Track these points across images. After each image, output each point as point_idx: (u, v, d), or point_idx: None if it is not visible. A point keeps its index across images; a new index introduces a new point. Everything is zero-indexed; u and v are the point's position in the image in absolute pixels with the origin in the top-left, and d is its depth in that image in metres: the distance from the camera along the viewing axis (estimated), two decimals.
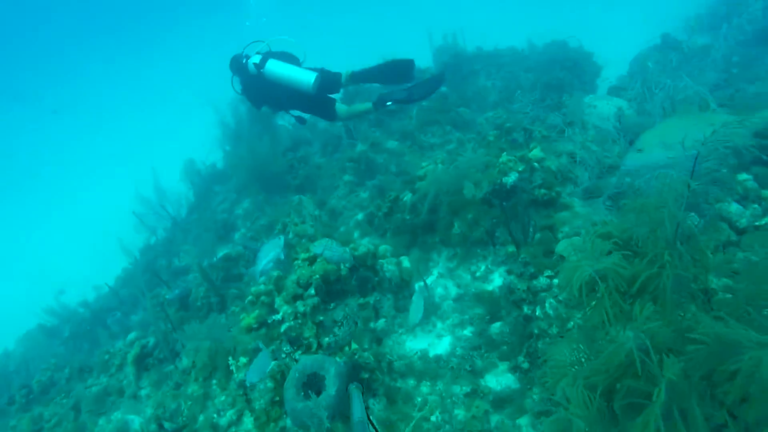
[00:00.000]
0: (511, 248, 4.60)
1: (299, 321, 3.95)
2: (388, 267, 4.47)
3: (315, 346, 3.73)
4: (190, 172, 10.20)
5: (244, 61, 6.31)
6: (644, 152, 2.61)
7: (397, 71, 6.61)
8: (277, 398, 3.43)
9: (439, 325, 4.34)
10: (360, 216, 6.77)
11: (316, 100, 6.50)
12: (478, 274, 4.73)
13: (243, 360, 3.78)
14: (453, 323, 4.27)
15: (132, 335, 5.85)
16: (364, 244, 4.63)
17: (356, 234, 6.40)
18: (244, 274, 6.53)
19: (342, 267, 4.38)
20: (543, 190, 4.71)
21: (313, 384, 3.14)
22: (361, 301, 4.23)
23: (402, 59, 6.62)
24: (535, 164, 4.89)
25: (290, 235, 5.19)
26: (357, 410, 1.98)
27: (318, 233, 5.00)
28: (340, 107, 6.66)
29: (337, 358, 3.57)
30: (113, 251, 9.80)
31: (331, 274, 4.26)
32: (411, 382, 3.81)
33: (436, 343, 4.18)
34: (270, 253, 4.65)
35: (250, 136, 9.00)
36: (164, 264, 8.40)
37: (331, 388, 3.01)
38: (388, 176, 7.17)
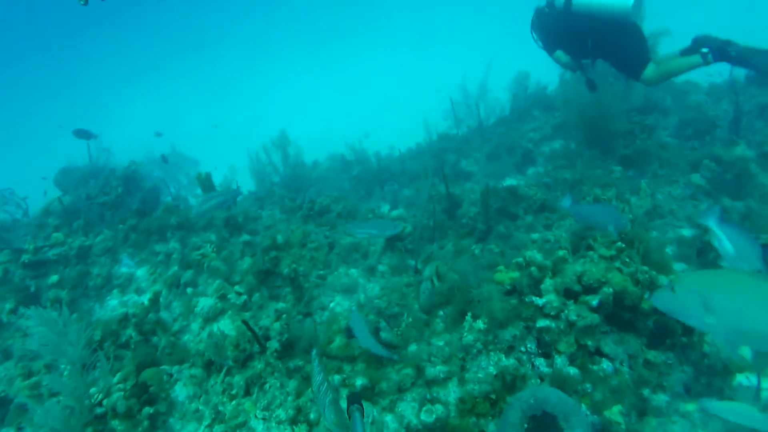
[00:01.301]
0: None
1: (561, 328, 3.04)
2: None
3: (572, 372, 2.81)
4: (518, 84, 9.39)
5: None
6: None
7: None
8: (494, 396, 2.78)
9: None
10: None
11: (629, 40, 4.91)
12: None
13: (480, 325, 3.16)
14: None
15: (397, 212, 5.89)
16: None
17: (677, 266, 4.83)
18: (519, 217, 5.78)
19: (647, 296, 3.16)
20: None
21: (543, 424, 2.34)
22: (651, 356, 3.01)
23: None
24: None
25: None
26: None
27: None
28: (651, 67, 4.84)
29: (584, 407, 2.62)
30: (417, 124, 10.11)
31: (629, 298, 3.10)
32: None
33: None
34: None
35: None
36: (452, 160, 8.24)
37: None
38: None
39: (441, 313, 3.82)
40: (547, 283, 3.43)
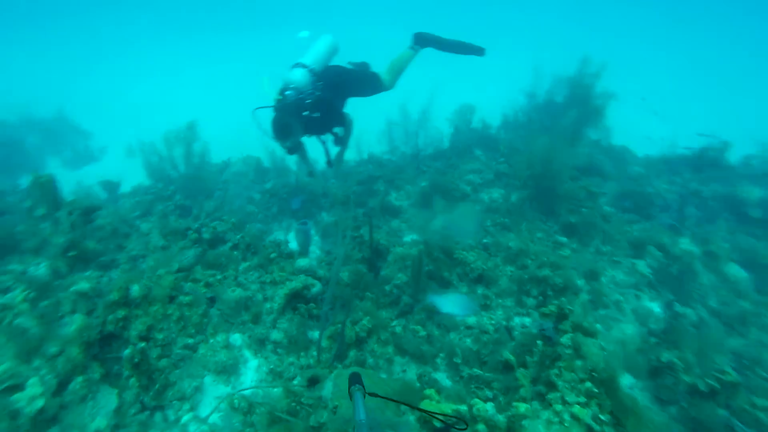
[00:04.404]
0: None
1: None
2: None
3: None
4: (462, 117, 8.26)
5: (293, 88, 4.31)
6: None
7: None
8: None
9: None
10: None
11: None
12: None
13: None
14: None
15: (305, 261, 4.40)
16: None
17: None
18: (452, 285, 4.58)
19: None
20: None
21: None
22: None
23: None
24: None
25: (567, 323, 2.90)
26: (360, 412, 1.56)
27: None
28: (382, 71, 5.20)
29: None
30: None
31: None
32: None
33: None
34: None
35: (558, 126, 6.52)
36: (381, 190, 6.89)
37: None
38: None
39: None
40: None
